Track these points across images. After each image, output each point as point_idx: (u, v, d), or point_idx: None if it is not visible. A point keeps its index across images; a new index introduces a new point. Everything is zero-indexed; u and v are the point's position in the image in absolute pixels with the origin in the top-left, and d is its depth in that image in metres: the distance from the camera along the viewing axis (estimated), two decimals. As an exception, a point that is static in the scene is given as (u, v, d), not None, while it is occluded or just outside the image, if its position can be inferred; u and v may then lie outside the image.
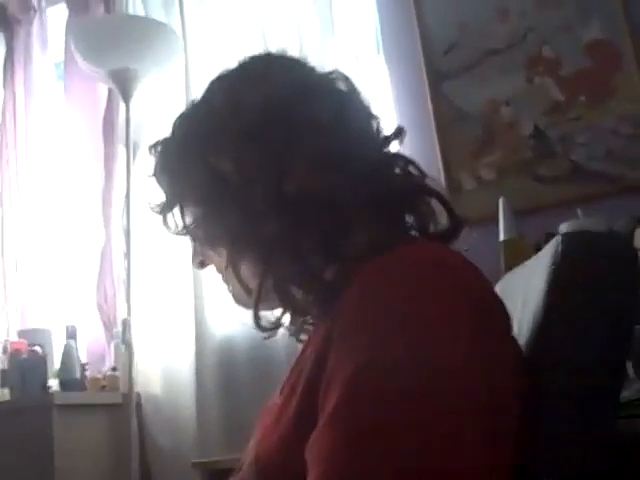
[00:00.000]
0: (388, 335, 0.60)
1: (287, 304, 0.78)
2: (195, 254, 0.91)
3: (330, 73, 0.85)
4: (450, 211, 0.79)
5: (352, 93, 0.84)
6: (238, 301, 0.88)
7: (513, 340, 0.71)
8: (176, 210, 0.87)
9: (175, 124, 0.88)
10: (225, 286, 0.89)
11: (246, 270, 0.80)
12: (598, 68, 2.30)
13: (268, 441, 0.71)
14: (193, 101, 0.88)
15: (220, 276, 0.90)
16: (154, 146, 0.90)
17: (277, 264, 0.76)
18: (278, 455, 0.68)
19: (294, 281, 0.76)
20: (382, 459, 0.54)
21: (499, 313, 0.69)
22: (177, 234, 0.89)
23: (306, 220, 0.75)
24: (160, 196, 0.90)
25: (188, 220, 0.86)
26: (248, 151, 0.77)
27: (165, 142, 0.88)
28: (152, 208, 0.90)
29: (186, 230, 0.87)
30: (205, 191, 0.81)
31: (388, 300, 0.63)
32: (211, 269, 0.92)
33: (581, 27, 2.32)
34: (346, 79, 0.85)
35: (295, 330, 0.91)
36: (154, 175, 0.89)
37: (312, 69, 0.86)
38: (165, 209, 0.88)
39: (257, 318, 0.81)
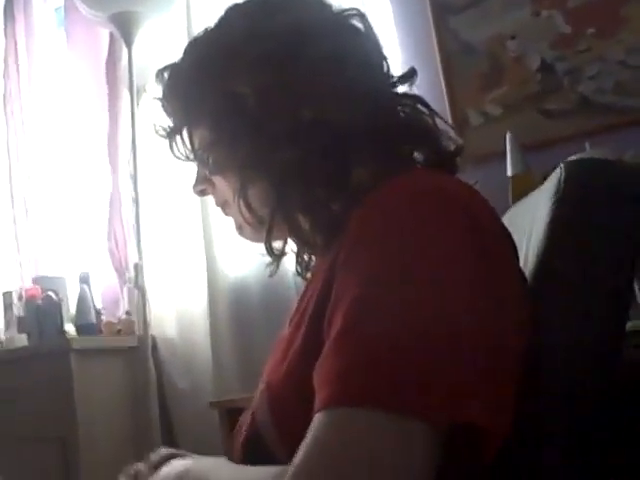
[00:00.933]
0: (391, 258, 0.61)
1: (295, 233, 0.79)
2: (198, 181, 0.91)
3: (348, 10, 0.85)
4: (437, 148, 0.80)
5: (368, 31, 0.84)
6: (241, 232, 0.89)
7: (518, 267, 0.71)
8: (184, 134, 0.87)
9: (188, 48, 0.87)
10: (229, 217, 0.90)
11: (254, 198, 0.81)
12: (606, -1, 2.25)
13: (278, 370, 0.72)
14: (207, 28, 0.87)
15: (221, 208, 0.91)
16: (162, 70, 0.89)
17: (288, 192, 0.76)
18: (288, 383, 0.69)
19: (303, 210, 0.77)
20: (388, 376, 0.55)
21: (504, 240, 0.69)
22: (184, 159, 0.89)
23: (319, 149, 0.75)
24: (166, 120, 0.89)
25: (197, 144, 0.86)
26: (266, 77, 0.77)
27: (176, 66, 0.87)
28: (158, 131, 0.89)
29: (194, 155, 0.87)
30: (218, 114, 0.81)
31: (391, 227, 0.63)
32: (212, 200, 0.93)
33: (589, -44, 2.27)
34: (363, 17, 0.85)
35: (300, 267, 0.92)
36: (162, 98, 0.88)
37: (330, 5, 0.85)
38: (173, 133, 0.88)
39: (270, 246, 0.82)
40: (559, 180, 0.68)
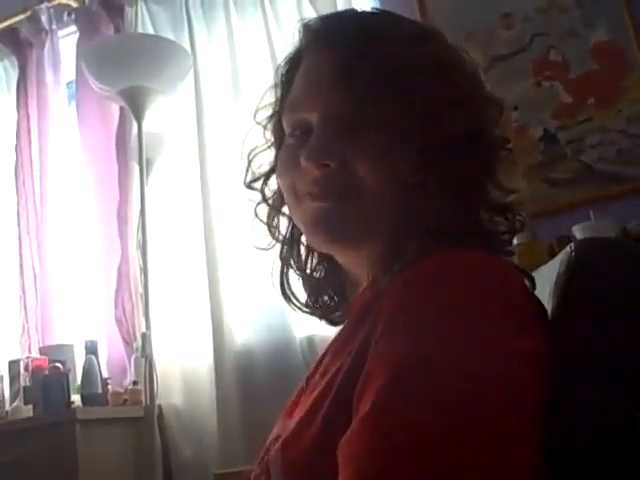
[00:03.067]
0: (428, 341, 0.60)
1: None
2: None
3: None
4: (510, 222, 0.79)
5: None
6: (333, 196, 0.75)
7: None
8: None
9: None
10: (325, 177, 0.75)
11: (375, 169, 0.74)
12: (606, 70, 2.31)
13: (298, 435, 0.70)
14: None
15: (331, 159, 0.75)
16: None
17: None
18: (308, 452, 0.67)
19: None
20: (411, 468, 0.54)
21: (544, 327, 0.68)
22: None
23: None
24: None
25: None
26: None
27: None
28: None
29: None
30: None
31: (433, 305, 0.62)
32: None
33: (587, 30, 2.34)
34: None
35: (332, 308, 0.89)
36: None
37: None
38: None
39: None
40: (569, 259, 0.68)
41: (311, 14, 2.66)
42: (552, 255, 1.65)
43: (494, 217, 0.78)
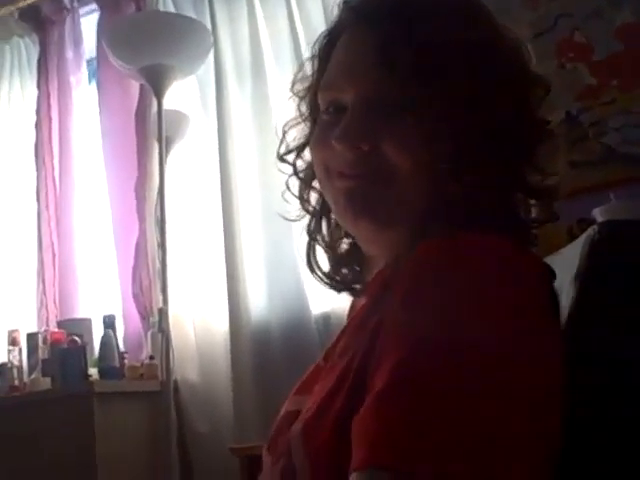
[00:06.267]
0: (443, 319, 0.60)
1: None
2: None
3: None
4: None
5: None
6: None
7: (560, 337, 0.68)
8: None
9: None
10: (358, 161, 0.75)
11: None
12: (631, 52, 2.28)
13: (318, 417, 0.69)
14: None
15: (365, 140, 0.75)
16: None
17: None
18: (333, 434, 0.66)
19: None
20: (422, 452, 0.54)
21: (554, 312, 0.68)
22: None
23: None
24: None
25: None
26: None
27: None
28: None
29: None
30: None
31: (448, 282, 0.62)
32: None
33: (612, 11, 2.30)
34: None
35: (352, 281, 0.88)
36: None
37: None
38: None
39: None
40: (592, 241, 0.68)
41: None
42: (572, 238, 1.64)
43: (530, 201, 0.78)
